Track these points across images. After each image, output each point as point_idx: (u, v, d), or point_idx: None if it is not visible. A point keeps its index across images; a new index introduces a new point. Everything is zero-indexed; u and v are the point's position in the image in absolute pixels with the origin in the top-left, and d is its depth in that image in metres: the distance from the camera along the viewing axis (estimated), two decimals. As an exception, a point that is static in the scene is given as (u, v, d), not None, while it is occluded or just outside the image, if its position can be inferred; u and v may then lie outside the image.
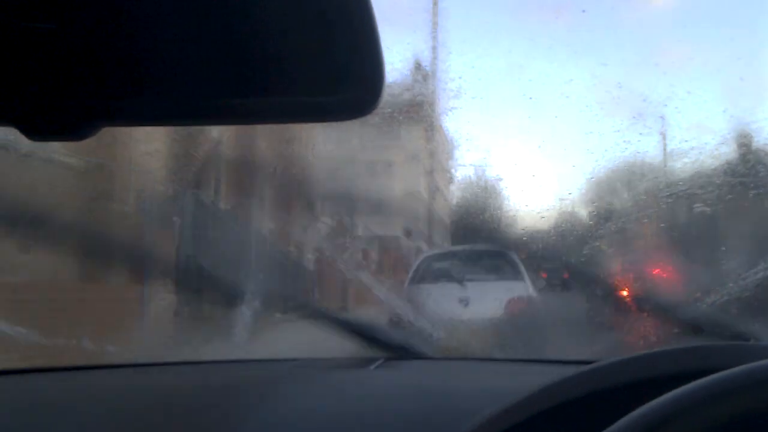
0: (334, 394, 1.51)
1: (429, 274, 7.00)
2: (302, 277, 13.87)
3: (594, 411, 0.74)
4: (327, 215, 20.74)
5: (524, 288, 6.83)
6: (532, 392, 0.79)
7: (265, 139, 15.17)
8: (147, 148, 10.74)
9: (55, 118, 0.57)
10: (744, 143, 8.13)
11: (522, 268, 7.36)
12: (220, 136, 13.78)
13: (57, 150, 8.20)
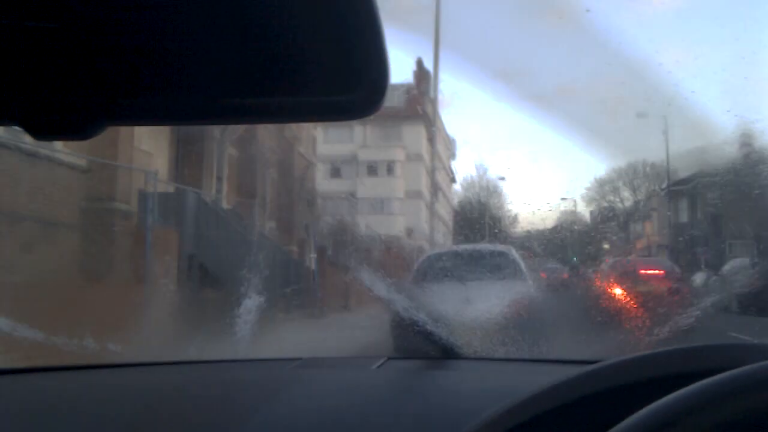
0: (336, 394, 1.51)
1: (431, 273, 7.00)
2: (304, 276, 13.88)
3: (598, 411, 0.74)
4: (328, 214, 20.74)
5: (526, 287, 6.82)
6: (535, 392, 0.79)
7: (267, 138, 15.19)
8: (149, 148, 10.76)
9: (60, 117, 0.57)
10: (747, 142, 8.12)
11: (523, 268, 7.36)
12: (222, 135, 13.80)
13: (59, 149, 8.21)
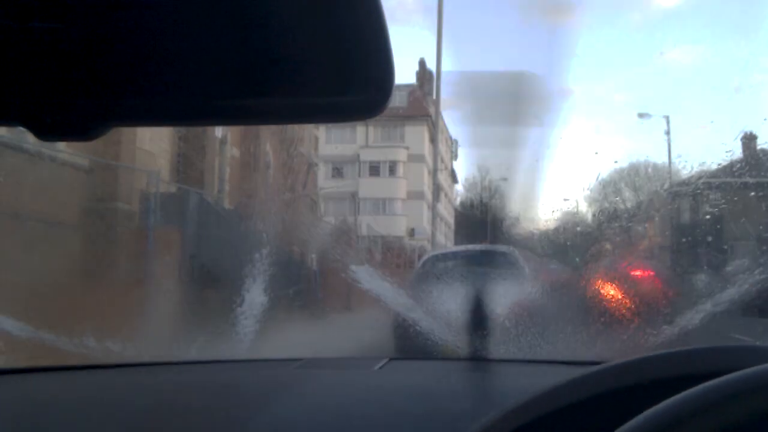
0: (338, 394, 1.51)
1: (433, 274, 7.00)
2: (306, 276, 13.88)
3: (601, 413, 0.73)
4: (331, 215, 20.74)
5: (528, 288, 6.82)
6: (538, 393, 0.79)
7: (269, 138, 15.21)
8: (151, 148, 10.77)
9: (64, 118, 0.57)
10: (749, 144, 8.11)
11: (525, 269, 7.36)
12: (224, 136, 13.82)
13: (62, 149, 8.22)
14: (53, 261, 7.56)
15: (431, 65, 32.39)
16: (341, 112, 0.59)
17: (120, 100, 0.57)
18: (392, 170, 33.10)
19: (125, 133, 9.02)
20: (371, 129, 32.54)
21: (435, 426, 1.25)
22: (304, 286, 13.09)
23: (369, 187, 30.86)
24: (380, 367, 1.74)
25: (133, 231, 9.32)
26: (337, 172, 31.52)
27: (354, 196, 26.64)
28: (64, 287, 6.98)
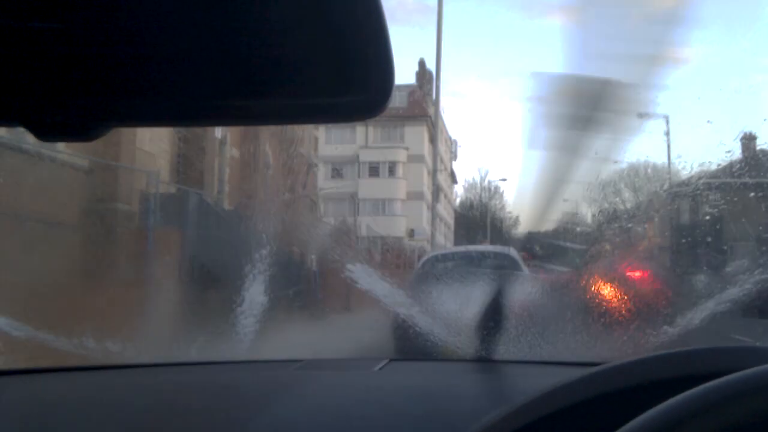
0: (338, 395, 1.51)
1: (432, 274, 7.01)
2: (305, 277, 13.87)
3: (601, 414, 0.73)
4: (330, 215, 20.73)
5: (527, 289, 6.82)
6: (538, 394, 0.79)
7: (269, 139, 15.20)
8: (150, 149, 10.77)
9: (64, 118, 0.57)
10: (749, 145, 8.11)
11: (525, 269, 7.36)
12: (224, 136, 13.82)
13: (61, 150, 8.22)
14: (53, 261, 7.55)
15: (431, 65, 32.43)
16: (341, 113, 0.59)
17: (120, 100, 0.57)
18: (392, 171, 33.11)
19: (125, 133, 9.02)
20: (371, 129, 32.54)
21: (435, 427, 1.25)
22: (304, 286, 13.08)
23: (368, 188, 30.89)
24: (380, 368, 1.74)
25: (133, 231, 9.32)
26: (337, 172, 31.53)
27: (353, 196, 26.66)
28: (63, 288, 6.97)
